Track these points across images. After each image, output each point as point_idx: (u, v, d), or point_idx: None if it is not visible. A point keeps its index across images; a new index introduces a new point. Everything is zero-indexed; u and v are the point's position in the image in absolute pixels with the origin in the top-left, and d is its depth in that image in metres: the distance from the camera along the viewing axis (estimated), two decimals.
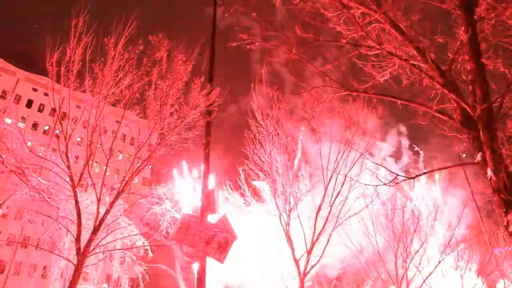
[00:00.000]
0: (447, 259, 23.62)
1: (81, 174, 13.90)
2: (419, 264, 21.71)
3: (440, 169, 11.24)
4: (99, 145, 14.33)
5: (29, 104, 53.86)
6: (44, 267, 42.06)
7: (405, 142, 32.95)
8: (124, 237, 17.66)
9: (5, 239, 40.22)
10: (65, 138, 13.54)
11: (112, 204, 13.85)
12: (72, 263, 13.31)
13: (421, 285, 22.57)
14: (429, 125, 8.30)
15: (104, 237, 14.88)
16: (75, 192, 13.22)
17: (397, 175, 8.37)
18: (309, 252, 17.70)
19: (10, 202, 16.71)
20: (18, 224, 40.92)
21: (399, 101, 8.23)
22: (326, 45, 8.59)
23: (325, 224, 18.15)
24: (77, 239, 12.86)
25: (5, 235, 40.76)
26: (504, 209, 6.77)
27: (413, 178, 9.13)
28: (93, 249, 13.58)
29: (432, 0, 7.94)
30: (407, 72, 8.46)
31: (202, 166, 8.63)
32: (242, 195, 22.85)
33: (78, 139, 16.75)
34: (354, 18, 7.86)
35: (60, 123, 13.77)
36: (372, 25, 8.08)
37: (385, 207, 22.49)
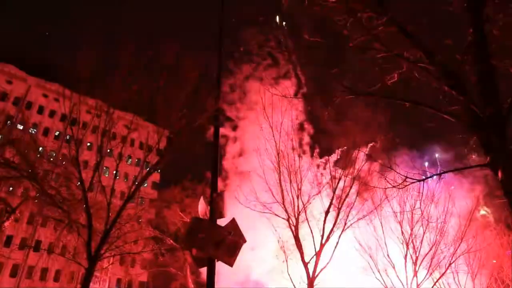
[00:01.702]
0: (458, 261, 23.30)
1: (91, 178, 14.08)
2: (429, 266, 21.45)
3: (450, 171, 11.15)
4: (109, 150, 14.50)
5: (40, 110, 54.59)
6: (56, 271, 42.58)
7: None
8: (135, 241, 17.80)
9: (18, 243, 40.73)
10: (75, 143, 13.73)
11: (121, 208, 13.99)
12: (83, 266, 13.45)
13: None
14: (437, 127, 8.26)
15: (115, 241, 15.04)
16: (85, 196, 13.39)
17: (406, 177, 8.34)
18: (318, 255, 17.63)
19: (22, 207, 16.95)
20: (30, 228, 41.46)
21: (407, 104, 8.21)
22: (334, 49, 8.62)
23: (333, 227, 18.08)
24: (88, 243, 13.01)
25: (17, 239, 41.28)
26: None
27: (423, 180, 9.07)
28: (104, 253, 13.73)
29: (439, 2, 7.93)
30: (415, 74, 8.43)
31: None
32: None
33: (89, 144, 16.96)
34: (361, 22, 7.88)
35: (71, 128, 13.98)
36: (380, 28, 8.08)
37: (394, 209, 22.29)
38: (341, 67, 8.70)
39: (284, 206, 18.65)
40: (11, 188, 17.43)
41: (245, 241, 8.09)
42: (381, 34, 8.15)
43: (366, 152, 18.55)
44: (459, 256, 22.90)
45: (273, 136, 19.30)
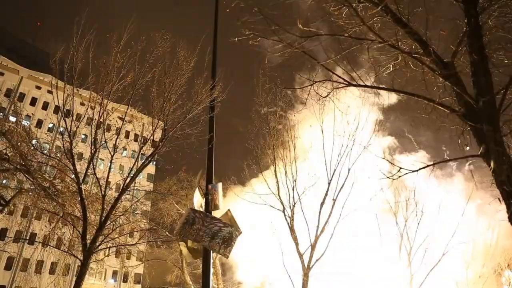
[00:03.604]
0: (452, 252, 23.61)
1: (86, 170, 14.02)
2: (423, 257, 21.74)
3: (443, 161, 11.20)
4: (103, 142, 14.42)
5: (33, 102, 54.08)
6: (52, 263, 42.58)
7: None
8: (130, 232, 17.81)
9: (12, 236, 40.58)
10: (69, 135, 13.64)
11: (117, 200, 13.96)
12: (79, 259, 13.46)
13: (425, 279, 22.62)
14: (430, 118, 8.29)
15: (110, 233, 15.03)
16: (80, 189, 13.33)
17: (400, 168, 8.39)
18: (313, 246, 17.76)
19: (16, 200, 16.85)
20: (24, 221, 41.27)
21: (401, 94, 8.23)
22: (328, 39, 8.58)
23: (328, 218, 18.19)
24: (83, 236, 13.00)
25: (12, 232, 41.12)
26: (507, 202, 6.77)
27: (416, 171, 9.13)
28: (99, 245, 13.72)
29: None
30: (409, 65, 8.44)
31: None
32: None
33: (83, 136, 16.85)
34: (356, 12, 7.84)
35: (64, 120, 13.86)
36: (375, 18, 8.05)
37: (388, 201, 22.50)
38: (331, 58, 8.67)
39: (280, 198, 18.76)
40: (4, 181, 17.28)
41: (241, 232, 8.12)
42: (376, 24, 8.13)
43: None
44: (452, 247, 23.24)
45: (268, 125, 19.29)
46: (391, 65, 8.61)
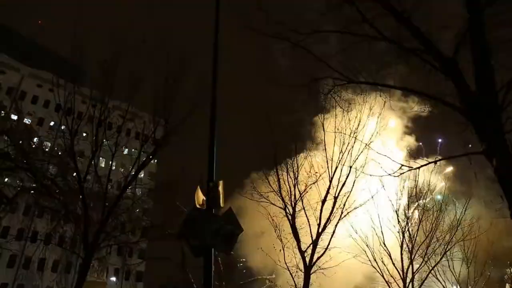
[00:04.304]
0: (453, 250, 23.58)
1: (87, 169, 14.02)
2: (425, 254, 21.68)
3: (445, 158, 11.19)
4: (104, 140, 14.43)
5: (35, 100, 54.12)
6: (54, 261, 42.67)
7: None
8: (132, 230, 17.84)
9: (15, 233, 40.68)
10: (71, 133, 13.65)
11: (118, 198, 13.98)
12: (81, 257, 13.50)
13: (427, 276, 22.59)
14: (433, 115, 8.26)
15: (112, 231, 15.07)
16: (81, 187, 13.35)
17: (402, 165, 8.37)
18: (314, 243, 17.73)
19: (18, 198, 16.88)
20: (26, 219, 41.36)
21: (403, 91, 8.20)
22: (331, 36, 8.56)
23: (330, 215, 18.13)
24: (85, 233, 13.02)
25: (14, 230, 41.21)
26: (509, 199, 6.74)
27: (418, 168, 9.11)
28: (101, 242, 13.75)
29: None
30: (412, 62, 8.39)
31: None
32: None
33: (84, 134, 16.86)
34: (357, 8, 7.80)
35: (66, 118, 13.87)
36: (375, 14, 8.00)
37: (390, 198, 22.44)
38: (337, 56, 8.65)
39: (281, 195, 18.71)
40: (6, 179, 17.31)
41: (242, 230, 8.11)
42: (377, 21, 8.08)
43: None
44: (454, 244, 23.17)
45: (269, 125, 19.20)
46: (394, 63, 8.58)
